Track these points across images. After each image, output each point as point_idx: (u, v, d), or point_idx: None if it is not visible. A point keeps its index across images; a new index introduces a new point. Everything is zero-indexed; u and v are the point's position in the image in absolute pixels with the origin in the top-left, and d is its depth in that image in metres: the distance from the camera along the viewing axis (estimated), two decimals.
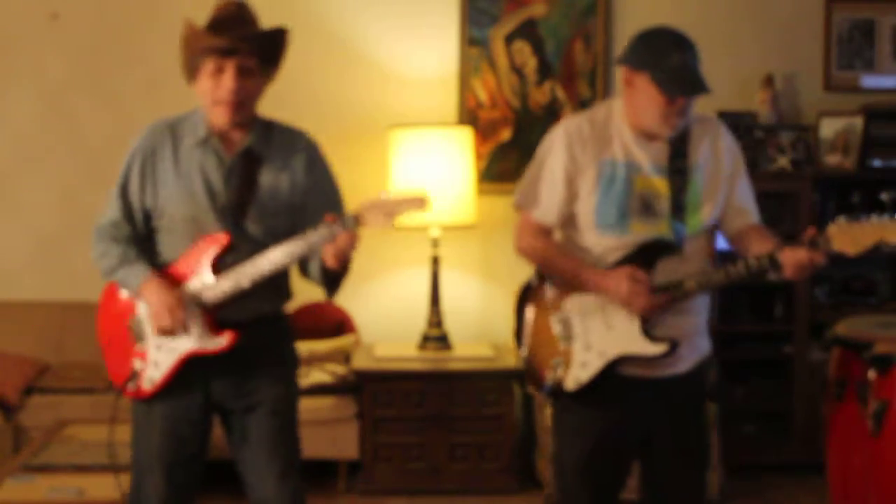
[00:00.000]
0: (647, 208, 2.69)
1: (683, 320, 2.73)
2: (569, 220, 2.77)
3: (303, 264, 2.79)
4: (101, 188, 5.02)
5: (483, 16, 5.00)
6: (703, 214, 2.73)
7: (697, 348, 2.80)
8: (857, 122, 4.85)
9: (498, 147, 5.04)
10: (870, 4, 5.11)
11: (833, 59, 5.12)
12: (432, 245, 4.73)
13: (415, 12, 5.01)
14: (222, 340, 2.70)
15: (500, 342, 4.96)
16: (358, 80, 5.03)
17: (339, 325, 4.93)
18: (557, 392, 2.77)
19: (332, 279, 2.74)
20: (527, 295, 2.87)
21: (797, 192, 4.78)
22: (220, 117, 2.67)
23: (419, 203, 2.64)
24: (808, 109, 5.09)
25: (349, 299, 5.03)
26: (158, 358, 2.73)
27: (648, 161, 2.70)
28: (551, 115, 5.00)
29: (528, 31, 5.02)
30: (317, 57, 5.00)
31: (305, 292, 5.02)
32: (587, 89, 5.03)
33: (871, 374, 3.06)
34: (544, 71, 5.03)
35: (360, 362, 4.60)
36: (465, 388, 4.53)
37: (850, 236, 2.56)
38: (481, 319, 5.07)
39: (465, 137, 4.74)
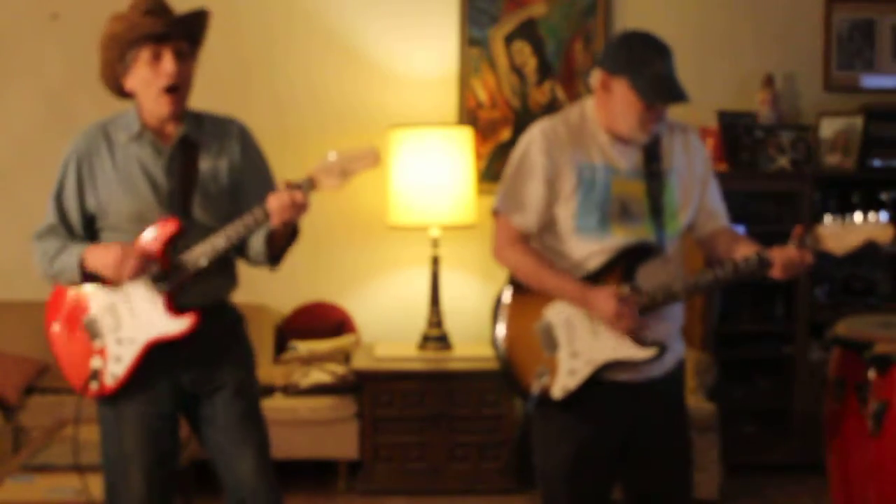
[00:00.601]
0: (625, 211, 2.68)
1: (666, 323, 2.73)
2: (546, 226, 2.73)
3: (244, 242, 2.77)
4: None
5: (483, 16, 5.00)
6: (681, 217, 2.73)
7: (675, 350, 2.79)
8: (857, 122, 4.85)
9: (498, 147, 5.04)
10: (870, 4, 5.11)
11: (833, 59, 5.12)
12: (432, 245, 4.73)
13: (415, 12, 5.02)
14: (184, 322, 2.68)
15: None
16: (358, 80, 5.03)
17: (339, 325, 4.94)
18: (544, 401, 2.72)
19: (276, 246, 2.73)
20: (503, 304, 2.80)
21: (797, 192, 4.78)
22: (165, 106, 2.68)
23: (372, 159, 2.64)
24: (808, 109, 5.09)
25: (349, 299, 5.04)
26: (119, 352, 2.72)
27: (625, 164, 2.69)
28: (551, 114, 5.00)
29: (528, 31, 5.02)
30: (317, 57, 5.00)
31: (306, 292, 5.05)
32: (587, 89, 5.02)
33: (871, 374, 3.06)
34: (544, 71, 5.03)
35: (360, 362, 4.60)
36: (465, 388, 4.53)
37: (837, 236, 2.59)
38: (481, 319, 5.05)
39: (465, 137, 4.74)
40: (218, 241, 2.66)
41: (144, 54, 2.65)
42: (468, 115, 5.01)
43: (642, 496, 2.85)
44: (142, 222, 2.69)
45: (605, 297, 2.62)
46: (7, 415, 4.35)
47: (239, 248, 2.78)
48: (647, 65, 2.60)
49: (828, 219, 2.61)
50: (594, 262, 2.69)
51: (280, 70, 5.03)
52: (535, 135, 2.74)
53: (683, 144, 2.77)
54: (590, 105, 2.74)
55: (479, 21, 5.00)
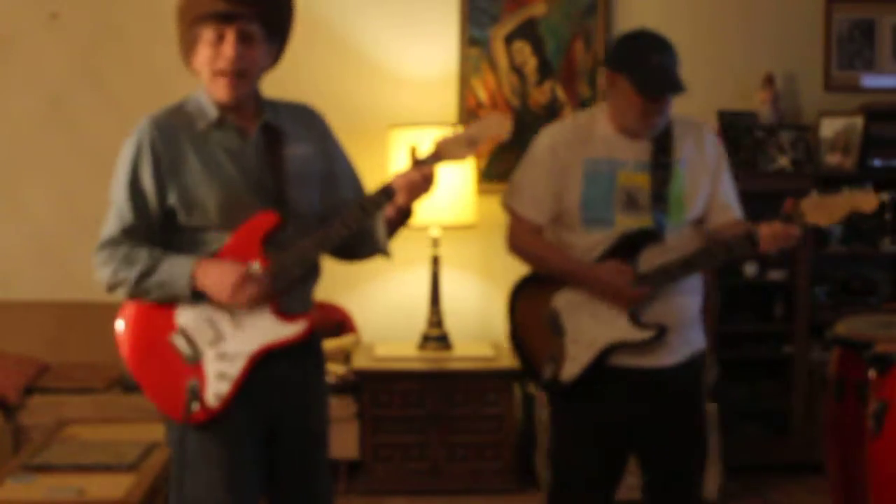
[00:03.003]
0: (631, 202, 2.76)
1: (670, 307, 2.78)
2: (557, 218, 2.84)
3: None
4: (102, 188, 5.01)
5: (483, 16, 5.00)
6: (687, 207, 2.80)
7: (689, 341, 2.84)
8: (857, 121, 4.85)
9: (498, 147, 5.04)
10: (870, 4, 5.11)
11: (833, 59, 5.12)
12: (432, 245, 4.73)
13: (415, 12, 5.02)
14: (298, 325, 2.46)
15: (500, 342, 4.96)
16: (358, 79, 5.03)
17: (339, 325, 4.94)
18: (554, 386, 2.81)
19: (394, 230, 2.52)
20: (518, 293, 2.94)
21: (797, 192, 4.74)
22: (221, 90, 2.44)
23: (502, 124, 2.46)
24: (808, 109, 5.09)
25: (349, 299, 5.03)
26: (222, 368, 2.43)
27: (631, 158, 2.78)
28: (551, 115, 5.00)
29: (528, 30, 5.02)
30: (317, 56, 5.00)
31: None
32: (587, 89, 5.02)
33: (871, 374, 3.06)
34: (544, 71, 5.03)
35: (360, 362, 4.60)
36: (465, 388, 4.53)
37: (823, 209, 2.67)
38: (481, 319, 5.06)
39: None
40: (333, 230, 2.43)
41: (207, 34, 2.42)
42: (468, 114, 5.01)
43: (653, 491, 2.90)
44: (233, 212, 2.43)
45: (603, 272, 2.73)
46: (7, 415, 4.35)
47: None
48: (645, 60, 2.70)
49: (813, 192, 2.69)
50: (599, 251, 2.78)
51: (280, 69, 5.01)
52: (544, 135, 2.89)
53: (696, 139, 2.85)
54: (601, 108, 2.86)
55: (479, 21, 5.00)
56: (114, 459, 3.49)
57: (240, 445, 2.46)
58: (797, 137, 4.86)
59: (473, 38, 5.01)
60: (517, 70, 5.03)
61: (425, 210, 4.63)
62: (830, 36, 5.11)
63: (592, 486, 2.85)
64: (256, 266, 2.42)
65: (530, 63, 5.03)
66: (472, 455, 4.54)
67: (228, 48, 2.41)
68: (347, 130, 4.98)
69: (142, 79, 4.93)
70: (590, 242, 2.78)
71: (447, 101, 5.04)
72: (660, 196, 2.75)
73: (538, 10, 5.01)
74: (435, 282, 4.76)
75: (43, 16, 4.95)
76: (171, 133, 2.46)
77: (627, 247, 2.75)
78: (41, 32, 4.95)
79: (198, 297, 2.43)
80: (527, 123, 5.02)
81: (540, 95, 5.04)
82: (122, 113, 4.93)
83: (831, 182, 4.85)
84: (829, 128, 4.92)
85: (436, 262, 4.76)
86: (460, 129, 2.47)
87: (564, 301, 2.81)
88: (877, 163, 4.86)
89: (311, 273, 2.56)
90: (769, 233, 2.67)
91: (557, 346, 2.80)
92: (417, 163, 2.44)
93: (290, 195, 2.48)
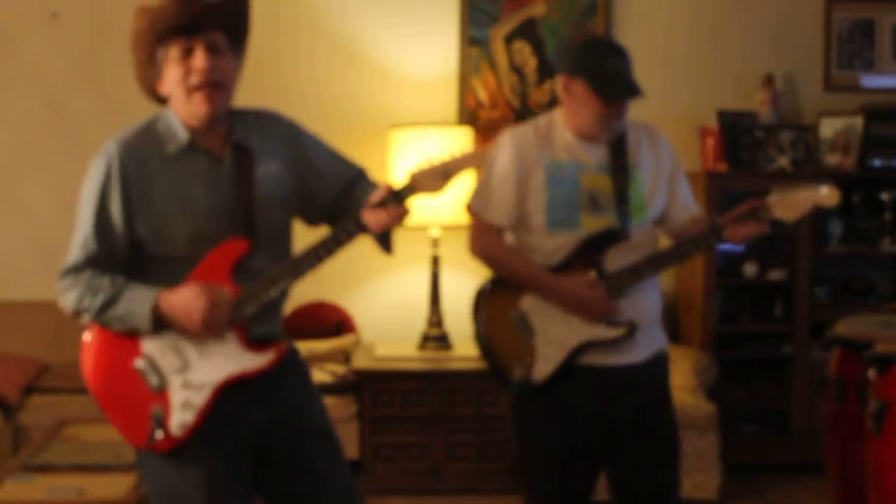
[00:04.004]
0: (594, 204, 2.78)
1: (637, 305, 2.79)
2: (519, 222, 2.84)
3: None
4: None
5: (483, 16, 5.00)
6: (648, 207, 2.82)
7: (653, 339, 2.85)
8: (857, 121, 4.85)
9: None
10: (870, 4, 5.11)
11: (833, 59, 5.12)
12: (432, 245, 4.73)
13: (415, 12, 5.02)
14: (266, 356, 2.39)
15: None
16: (358, 79, 5.03)
17: (339, 325, 4.94)
18: (525, 388, 2.80)
19: (387, 237, 2.48)
20: (483, 295, 2.94)
21: None
22: (199, 106, 2.33)
23: (476, 158, 2.43)
24: (808, 109, 5.10)
25: (349, 299, 5.03)
26: (187, 396, 2.35)
27: (592, 160, 2.80)
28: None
29: (528, 31, 5.02)
30: (317, 57, 5.00)
31: (305, 292, 5.05)
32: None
33: (871, 374, 3.06)
34: (544, 71, 5.03)
35: (360, 362, 4.60)
36: (465, 388, 4.53)
37: (787, 204, 2.70)
38: None
39: (465, 137, 4.74)
40: (305, 261, 2.36)
41: (174, 51, 2.31)
42: (468, 115, 5.01)
43: (626, 488, 2.87)
44: (199, 245, 2.35)
45: (573, 285, 2.74)
46: (7, 415, 4.35)
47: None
48: (602, 64, 2.73)
49: (776, 189, 2.71)
50: (563, 253, 2.79)
51: (281, 70, 5.03)
52: (504, 138, 2.87)
53: (650, 143, 2.88)
54: (558, 113, 2.87)
55: (479, 21, 5.00)
56: (114, 459, 3.50)
57: (215, 461, 2.38)
58: (797, 137, 4.86)
59: (473, 38, 5.01)
60: (517, 70, 5.03)
61: (425, 210, 4.64)
62: (830, 36, 5.11)
63: (566, 489, 2.83)
64: (225, 293, 2.34)
65: (530, 63, 5.03)
66: (472, 455, 4.54)
67: (200, 60, 2.31)
68: (347, 130, 5.03)
69: None
70: (554, 245, 2.78)
71: (447, 101, 5.04)
72: (622, 197, 2.78)
73: (538, 10, 5.01)
74: (435, 282, 4.76)
75: (43, 16, 4.95)
76: (141, 158, 2.35)
77: (593, 247, 2.77)
78: (41, 32, 4.95)
79: (159, 327, 2.35)
80: None
81: (540, 95, 5.04)
82: (122, 113, 4.93)
83: (831, 182, 4.87)
84: (829, 128, 4.92)
85: (436, 262, 4.76)
86: (436, 161, 2.41)
87: (532, 301, 2.82)
88: (877, 163, 4.86)
89: (281, 298, 2.47)
90: (734, 224, 2.72)
91: (527, 346, 2.80)
92: (393, 194, 2.37)
93: (260, 219, 2.40)
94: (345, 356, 4.72)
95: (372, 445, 4.50)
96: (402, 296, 5.04)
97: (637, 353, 2.80)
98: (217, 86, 2.34)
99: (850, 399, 3.19)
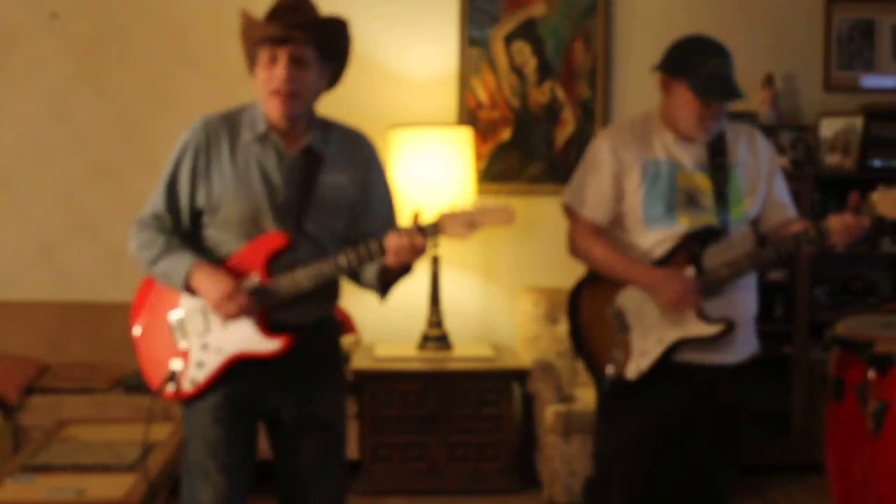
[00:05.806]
0: (691, 202, 2.82)
1: (734, 302, 2.83)
2: (616, 220, 2.90)
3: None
4: (102, 188, 5.05)
5: (483, 16, 5.00)
6: (746, 205, 2.86)
7: (749, 342, 2.90)
8: (857, 122, 4.85)
9: (498, 147, 5.04)
10: (870, 4, 5.11)
11: (833, 59, 5.12)
12: (432, 245, 4.73)
13: (415, 12, 5.02)
14: (276, 343, 2.59)
15: (500, 342, 4.97)
16: (358, 80, 5.00)
17: (339, 325, 4.93)
18: (618, 384, 2.83)
19: (388, 281, 2.67)
20: (579, 293, 2.98)
21: (797, 192, 4.72)
22: (273, 109, 2.57)
23: (504, 216, 2.53)
24: (808, 109, 5.10)
25: (349, 299, 5.02)
26: (203, 358, 2.62)
27: (689, 160, 2.84)
28: (551, 115, 5.01)
29: (528, 31, 5.02)
30: None
31: None
32: (587, 89, 5.03)
33: (871, 374, 3.06)
34: (544, 71, 5.03)
35: (360, 362, 4.60)
36: (465, 388, 4.53)
37: (891, 201, 2.71)
38: (481, 319, 5.07)
39: (465, 137, 4.74)
40: (326, 267, 2.57)
41: (263, 56, 2.55)
42: (468, 115, 5.01)
43: (683, 488, 2.94)
44: (252, 226, 2.58)
45: (670, 278, 2.77)
46: (7, 415, 4.35)
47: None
48: (702, 65, 2.78)
49: (881, 186, 2.74)
50: (662, 249, 2.83)
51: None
52: (602, 136, 2.94)
53: (748, 142, 2.93)
54: (655, 110, 2.92)
55: (479, 21, 5.00)
56: (114, 459, 3.50)
57: (222, 422, 2.62)
58: (797, 138, 4.86)
59: (473, 38, 5.01)
60: (517, 70, 5.03)
61: (425, 210, 4.63)
62: (830, 36, 5.11)
63: (651, 482, 2.87)
64: (255, 279, 2.57)
65: (530, 63, 5.03)
66: (472, 455, 4.54)
67: (280, 70, 2.54)
68: None
69: (142, 79, 4.93)
70: (651, 241, 2.83)
71: (447, 101, 5.04)
72: (721, 196, 2.81)
73: (538, 10, 5.01)
74: (435, 282, 4.76)
75: (43, 16, 4.95)
76: (217, 136, 2.61)
77: (693, 243, 2.80)
78: (41, 32, 4.95)
79: (192, 293, 2.61)
80: (526, 123, 5.03)
81: (540, 95, 5.04)
82: (122, 113, 4.94)
83: (831, 182, 4.87)
84: (829, 128, 4.92)
85: (436, 262, 4.76)
86: (467, 207, 2.54)
87: (629, 298, 2.86)
88: (877, 163, 4.86)
89: (321, 291, 2.63)
90: (840, 224, 2.71)
91: (622, 342, 2.84)
92: (417, 228, 2.53)
93: (310, 220, 2.60)
94: (345, 356, 4.72)
95: (371, 445, 4.50)
96: (402, 296, 5.02)
97: (731, 354, 2.84)
98: (292, 95, 2.55)
99: (850, 399, 3.19)
